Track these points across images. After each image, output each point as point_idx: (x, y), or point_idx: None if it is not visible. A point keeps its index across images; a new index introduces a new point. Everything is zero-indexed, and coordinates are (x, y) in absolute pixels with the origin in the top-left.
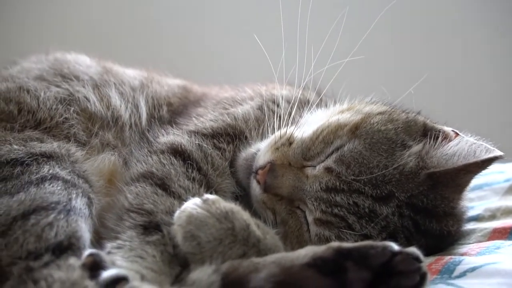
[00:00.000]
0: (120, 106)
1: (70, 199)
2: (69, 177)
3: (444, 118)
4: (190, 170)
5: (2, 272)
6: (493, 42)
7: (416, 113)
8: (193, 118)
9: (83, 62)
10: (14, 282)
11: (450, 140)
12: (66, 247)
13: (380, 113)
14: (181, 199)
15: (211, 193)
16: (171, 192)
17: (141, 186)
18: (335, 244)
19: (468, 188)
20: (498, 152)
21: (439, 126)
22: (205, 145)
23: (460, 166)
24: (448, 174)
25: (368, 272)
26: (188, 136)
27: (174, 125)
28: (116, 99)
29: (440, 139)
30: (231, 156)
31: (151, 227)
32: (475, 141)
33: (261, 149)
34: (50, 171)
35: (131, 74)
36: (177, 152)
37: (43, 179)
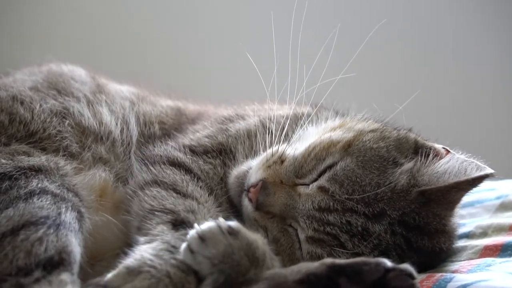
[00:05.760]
0: (111, 122)
1: (59, 213)
2: (58, 191)
3: (436, 135)
4: (195, 179)
5: None
6: (484, 58)
7: (407, 130)
8: (189, 133)
9: (79, 78)
10: None
11: (441, 158)
12: (58, 262)
13: (372, 131)
14: (198, 201)
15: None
16: (186, 194)
17: (156, 190)
18: (328, 260)
19: (459, 205)
20: (489, 170)
21: (430, 143)
22: (200, 161)
23: (451, 184)
24: (439, 192)
25: None
26: (184, 151)
27: (169, 139)
28: (107, 116)
29: (431, 156)
30: (222, 173)
31: (178, 224)
32: (466, 159)
33: (253, 167)
34: (39, 185)
35: (122, 94)
36: (176, 164)
37: (31, 194)
